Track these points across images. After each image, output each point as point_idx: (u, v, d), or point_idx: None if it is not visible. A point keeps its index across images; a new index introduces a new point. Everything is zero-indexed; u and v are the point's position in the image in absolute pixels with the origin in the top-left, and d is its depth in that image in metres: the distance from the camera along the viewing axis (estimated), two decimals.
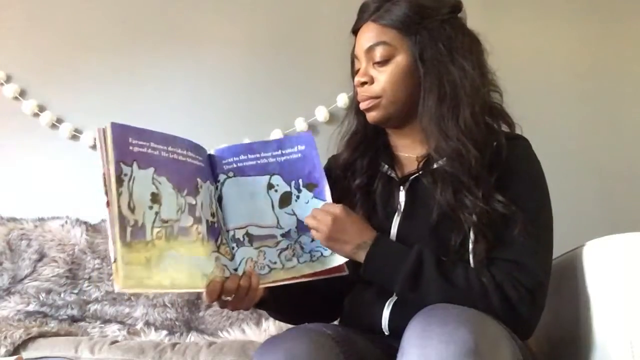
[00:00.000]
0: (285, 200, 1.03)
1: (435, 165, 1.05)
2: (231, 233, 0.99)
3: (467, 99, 1.03)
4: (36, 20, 2.20)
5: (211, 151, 1.04)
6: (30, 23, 2.20)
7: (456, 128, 1.02)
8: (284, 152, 1.05)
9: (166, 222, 0.89)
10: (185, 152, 0.96)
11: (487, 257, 0.98)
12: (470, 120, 1.02)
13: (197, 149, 0.99)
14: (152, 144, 0.91)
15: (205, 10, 2.19)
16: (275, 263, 0.99)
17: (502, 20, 2.17)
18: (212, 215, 0.98)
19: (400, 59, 1.06)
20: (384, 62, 1.06)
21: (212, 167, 1.02)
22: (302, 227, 1.02)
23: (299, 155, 1.04)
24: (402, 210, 1.07)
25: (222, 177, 1.02)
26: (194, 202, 0.94)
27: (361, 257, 0.99)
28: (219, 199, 1.01)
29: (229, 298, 0.95)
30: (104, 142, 0.87)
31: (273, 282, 0.99)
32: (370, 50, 1.07)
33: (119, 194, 0.84)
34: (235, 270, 0.97)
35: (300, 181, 1.03)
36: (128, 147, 0.88)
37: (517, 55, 2.09)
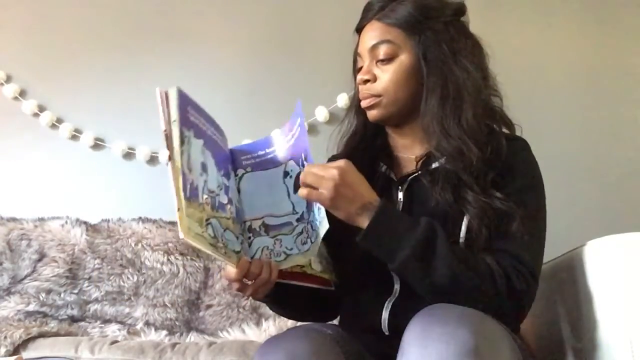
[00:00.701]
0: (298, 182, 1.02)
1: (434, 165, 1.05)
2: (247, 224, 1.01)
3: (470, 99, 1.03)
4: (36, 20, 2.20)
5: (235, 147, 1.05)
6: (31, 23, 2.20)
7: (458, 127, 1.02)
8: (292, 132, 1.04)
9: (212, 192, 0.92)
10: (222, 138, 1.00)
11: (486, 248, 0.98)
12: (472, 121, 1.02)
13: (226, 140, 1.03)
14: (203, 120, 0.94)
15: (205, 10, 2.19)
16: (291, 249, 1.00)
17: (501, 22, 2.16)
18: (238, 202, 1.01)
19: (404, 58, 1.07)
20: (388, 60, 1.07)
21: (232, 161, 1.04)
22: (309, 204, 1.01)
23: (299, 129, 1.03)
24: (400, 209, 1.07)
25: (240, 171, 1.04)
26: (227, 184, 0.97)
27: (364, 220, 0.94)
28: (237, 192, 1.03)
29: (249, 282, 0.96)
30: (166, 103, 0.89)
31: (291, 264, 0.99)
32: (374, 48, 1.08)
33: (182, 152, 0.86)
34: (252, 258, 0.98)
35: (303, 155, 1.02)
36: (187, 114, 0.90)
37: (516, 56, 2.09)
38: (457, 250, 0.96)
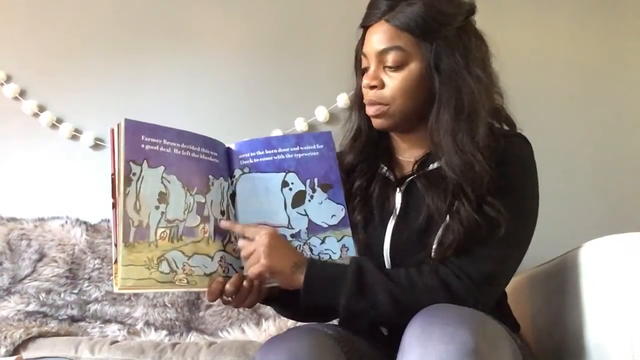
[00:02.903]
0: (299, 199, 1.02)
1: (431, 167, 1.04)
2: None
3: (484, 113, 1.00)
4: (36, 20, 2.20)
5: (231, 145, 1.03)
6: (31, 23, 2.20)
7: (472, 143, 0.98)
8: (302, 148, 1.03)
9: (172, 222, 0.91)
10: (198, 149, 0.96)
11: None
12: (485, 136, 0.99)
13: (213, 144, 0.99)
14: (165, 141, 0.93)
15: (205, 10, 2.19)
16: None
17: (501, 19, 2.16)
18: (222, 213, 0.98)
19: (414, 67, 1.02)
20: (396, 68, 1.02)
21: (229, 161, 1.01)
22: (312, 228, 1.01)
23: (317, 153, 1.03)
24: (397, 213, 1.06)
25: (237, 172, 1.01)
26: (203, 201, 0.95)
27: (299, 278, 0.95)
28: (233, 195, 1.00)
29: (229, 299, 0.96)
30: (116, 141, 0.88)
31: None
32: (383, 53, 1.02)
33: (126, 194, 0.86)
34: (242, 268, 0.98)
35: (316, 180, 1.02)
36: (140, 144, 0.89)
37: (515, 54, 2.09)
38: (390, 274, 0.96)
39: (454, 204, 0.97)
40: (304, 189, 1.02)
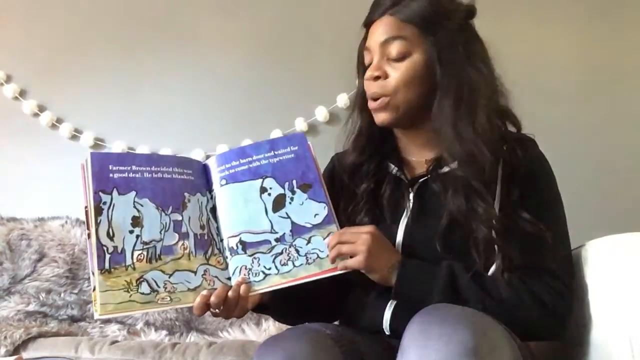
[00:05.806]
0: (279, 203, 1.01)
1: (445, 169, 1.04)
2: (225, 242, 0.99)
3: (484, 102, 1.01)
4: (36, 20, 2.20)
5: (207, 161, 1.04)
6: (31, 23, 2.20)
7: (471, 131, 1.00)
8: (276, 152, 1.04)
9: (148, 243, 0.93)
10: (170, 169, 0.99)
11: (516, 267, 0.98)
12: (485, 124, 1.00)
13: (186, 163, 1.02)
14: (134, 167, 0.96)
15: (205, 10, 2.19)
16: (269, 269, 0.98)
17: (500, 20, 2.16)
18: (202, 227, 0.98)
19: (417, 58, 1.03)
20: (400, 59, 1.03)
21: (206, 177, 1.02)
22: (297, 230, 1.00)
23: (292, 155, 1.04)
24: (409, 213, 1.06)
25: (215, 186, 1.02)
26: (179, 218, 0.97)
27: (392, 279, 0.98)
28: (213, 209, 1.01)
29: (217, 311, 0.96)
30: (85, 175, 0.93)
31: (268, 287, 0.98)
32: (386, 43, 1.04)
33: (98, 224, 0.90)
34: (229, 279, 0.98)
35: (294, 182, 1.02)
36: (108, 174, 0.93)
37: (514, 55, 2.08)
38: (482, 283, 0.97)
39: (470, 204, 0.99)
40: (282, 192, 1.02)
